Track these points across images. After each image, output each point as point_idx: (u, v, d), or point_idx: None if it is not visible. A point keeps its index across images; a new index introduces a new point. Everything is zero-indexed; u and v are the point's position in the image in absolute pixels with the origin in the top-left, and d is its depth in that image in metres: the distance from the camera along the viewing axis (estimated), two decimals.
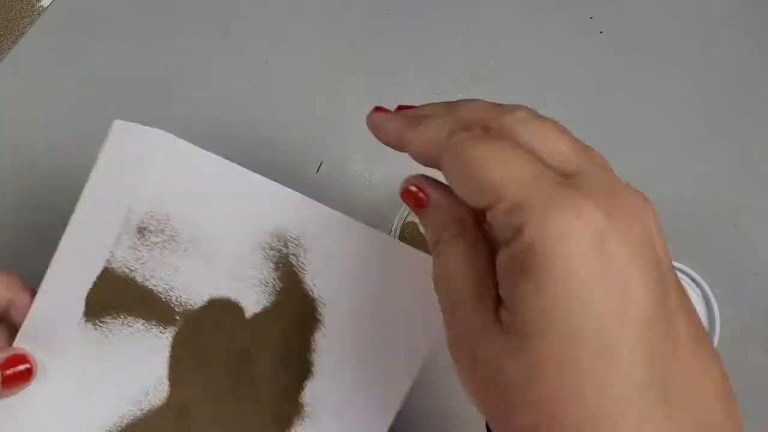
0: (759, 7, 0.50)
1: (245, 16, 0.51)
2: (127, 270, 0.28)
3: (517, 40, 0.50)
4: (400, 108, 0.29)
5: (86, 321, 0.28)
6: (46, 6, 0.52)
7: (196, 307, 0.29)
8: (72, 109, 0.49)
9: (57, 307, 0.28)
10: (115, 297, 0.28)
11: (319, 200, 0.43)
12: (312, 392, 0.29)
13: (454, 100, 0.28)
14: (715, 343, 0.37)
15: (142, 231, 0.28)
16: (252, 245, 0.29)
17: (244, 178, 0.28)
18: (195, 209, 0.28)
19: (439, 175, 0.25)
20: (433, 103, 0.27)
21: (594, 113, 0.48)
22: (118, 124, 0.28)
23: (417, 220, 0.41)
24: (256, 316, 0.29)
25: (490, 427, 0.26)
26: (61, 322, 0.28)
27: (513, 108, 0.25)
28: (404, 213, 0.41)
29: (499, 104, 0.26)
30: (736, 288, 0.44)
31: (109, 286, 0.28)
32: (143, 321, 0.29)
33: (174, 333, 0.29)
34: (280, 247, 0.29)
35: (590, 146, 0.24)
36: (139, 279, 0.28)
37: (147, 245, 0.28)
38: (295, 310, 0.29)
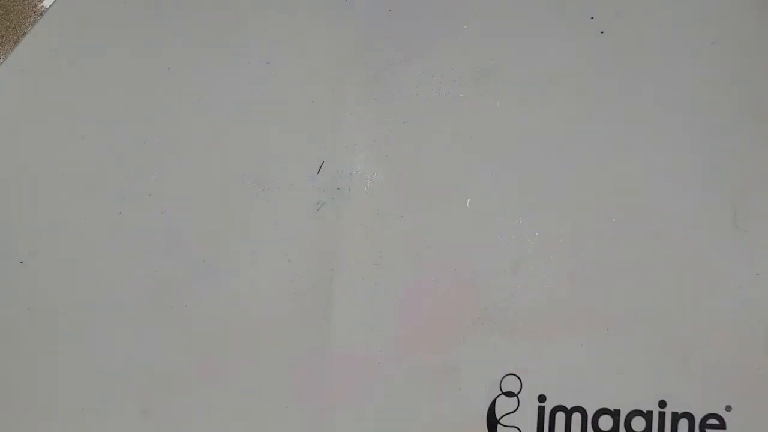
0: (759, 7, 0.50)
1: (247, 17, 0.51)
2: None
3: (517, 40, 0.50)
4: None
5: None
6: (48, 6, 0.52)
7: None
8: (73, 108, 0.49)
9: None
10: None
11: (320, 200, 0.43)
12: None
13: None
14: None
15: None
16: None
17: None
18: None
19: None
20: None
21: (594, 113, 0.48)
22: None
23: None
24: None
25: None
26: None
27: None
28: None
29: None
30: (737, 288, 0.44)
31: None
32: None
33: None
34: None
35: None
36: None
37: None
38: None
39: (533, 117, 0.48)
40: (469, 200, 0.47)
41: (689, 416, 0.43)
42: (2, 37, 0.51)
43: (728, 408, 0.43)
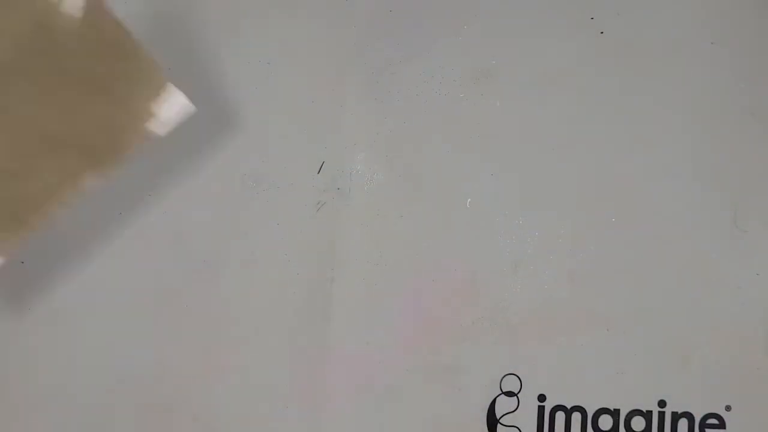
0: (759, 7, 0.51)
1: (247, 17, 0.51)
2: None
3: (517, 40, 0.50)
4: None
5: None
6: None
7: None
8: None
9: None
10: None
11: (320, 200, 0.43)
12: None
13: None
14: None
15: None
16: None
17: None
18: None
19: None
20: None
21: (594, 113, 0.48)
22: None
23: None
24: None
25: None
26: None
27: None
28: None
29: None
30: (737, 288, 0.44)
31: None
32: None
33: None
34: None
35: None
36: None
37: None
38: None
39: (533, 117, 0.48)
40: (469, 200, 0.47)
41: (689, 416, 0.43)
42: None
43: (728, 408, 0.43)
